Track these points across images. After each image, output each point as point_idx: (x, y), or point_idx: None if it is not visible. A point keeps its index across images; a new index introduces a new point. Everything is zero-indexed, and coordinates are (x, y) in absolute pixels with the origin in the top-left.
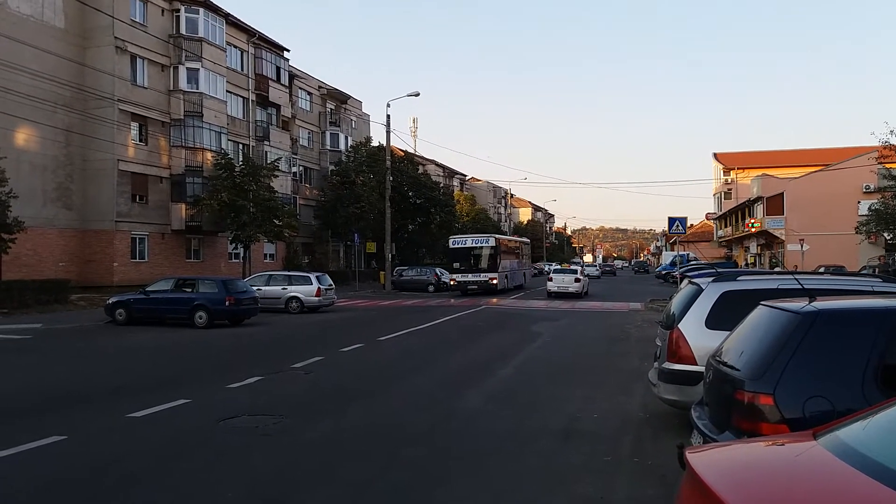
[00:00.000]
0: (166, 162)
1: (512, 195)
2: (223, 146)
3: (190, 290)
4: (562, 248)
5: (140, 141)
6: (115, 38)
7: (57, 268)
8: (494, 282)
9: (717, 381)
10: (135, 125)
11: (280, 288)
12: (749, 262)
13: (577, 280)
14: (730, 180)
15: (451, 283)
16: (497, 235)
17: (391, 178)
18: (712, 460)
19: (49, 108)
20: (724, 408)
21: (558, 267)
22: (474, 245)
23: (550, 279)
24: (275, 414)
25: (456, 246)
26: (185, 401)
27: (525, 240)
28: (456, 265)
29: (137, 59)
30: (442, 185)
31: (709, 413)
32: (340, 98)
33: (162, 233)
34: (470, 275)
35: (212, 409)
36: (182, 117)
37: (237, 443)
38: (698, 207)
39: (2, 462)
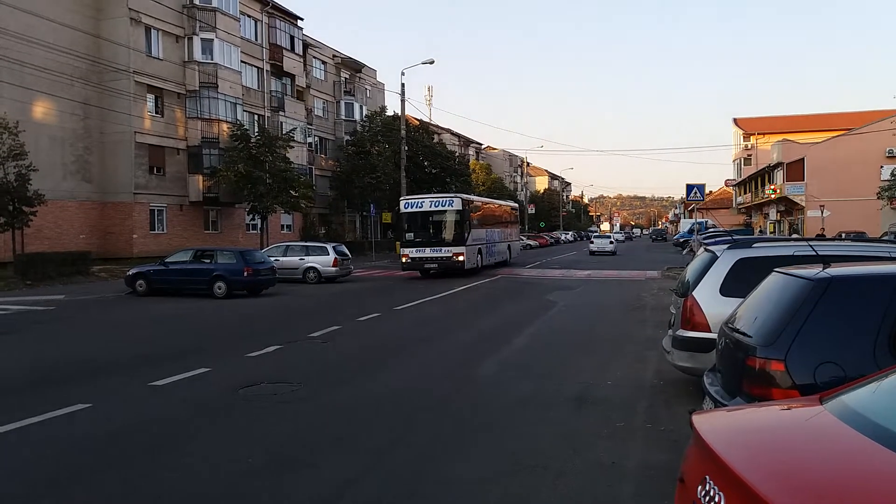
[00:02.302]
0: (182, 134)
1: (528, 164)
2: (239, 117)
3: (208, 261)
4: (578, 216)
5: (156, 113)
6: (130, 9)
7: (78, 240)
8: (460, 258)
9: (730, 348)
10: (150, 97)
11: (297, 258)
12: (769, 229)
13: (611, 242)
14: (749, 146)
15: (404, 260)
16: (464, 196)
17: (406, 148)
18: (717, 424)
19: (66, 81)
20: (735, 374)
21: (598, 234)
22: (433, 209)
23: (592, 242)
24: (293, 382)
25: (409, 210)
26: (205, 369)
27: (511, 203)
28: (409, 236)
29: (152, 30)
30: (457, 154)
31: (721, 379)
32: (355, 67)
33: (180, 204)
34: (427, 249)
35: (231, 378)
36: (197, 88)
37: (257, 410)
38: (717, 174)
39: (29, 429)
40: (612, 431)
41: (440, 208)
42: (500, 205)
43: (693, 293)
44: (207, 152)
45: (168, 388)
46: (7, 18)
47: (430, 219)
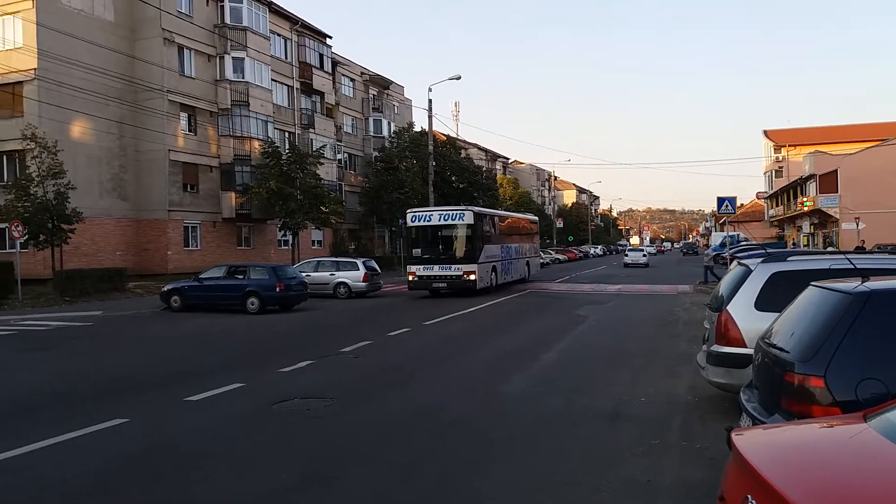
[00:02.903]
0: (215, 151)
1: (556, 177)
2: (270, 135)
3: (242, 276)
4: (607, 230)
5: (189, 131)
6: (163, 29)
7: (114, 256)
8: (471, 277)
9: (767, 364)
10: (184, 115)
11: (328, 274)
12: (803, 242)
13: (644, 255)
14: (781, 158)
15: (411, 278)
16: (476, 209)
17: (434, 163)
18: (758, 441)
19: (102, 101)
20: (773, 390)
21: (631, 247)
22: (442, 223)
23: (626, 255)
24: (325, 397)
25: (416, 224)
26: (239, 385)
27: (529, 216)
28: (416, 252)
29: (184, 49)
30: (485, 168)
31: (758, 396)
32: (383, 84)
33: (213, 221)
34: (436, 267)
35: (265, 393)
36: (229, 107)
37: (289, 425)
38: (748, 187)
39: (70, 443)
40: (647, 448)
41: (450, 222)
42: (517, 217)
43: (727, 308)
44: (240, 169)
45: (203, 403)
46: (47, 41)
47: (439, 234)
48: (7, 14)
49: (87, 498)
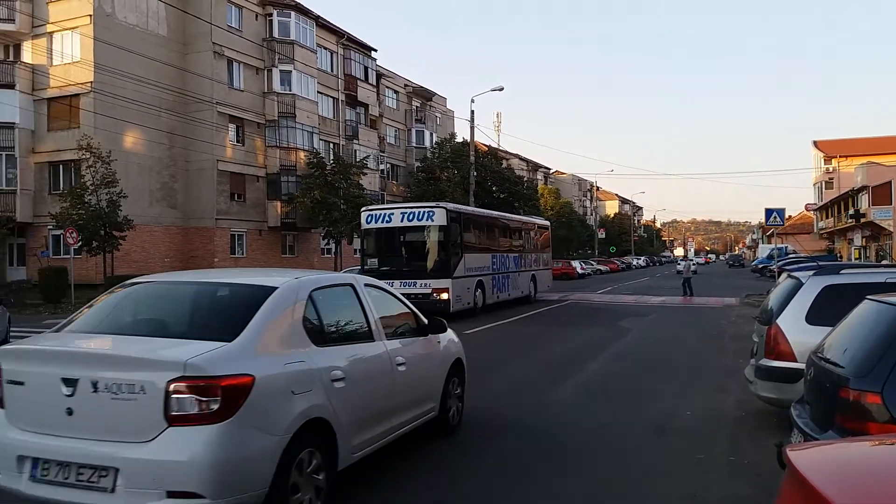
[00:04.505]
0: (262, 162)
1: (598, 188)
2: (315, 145)
3: None
4: (651, 241)
5: (237, 142)
6: (214, 43)
7: (163, 263)
8: (443, 296)
9: (819, 379)
10: (232, 127)
11: None
12: (854, 256)
13: (693, 265)
14: (831, 169)
15: None
16: (451, 206)
17: (475, 174)
18: (816, 459)
19: (154, 113)
20: (826, 406)
21: (682, 259)
22: (405, 224)
23: (678, 264)
24: None
25: (373, 225)
26: None
27: (537, 221)
28: (372, 262)
29: (234, 62)
30: (526, 179)
31: (810, 411)
32: (425, 95)
33: (259, 229)
34: (397, 283)
35: None
36: (276, 118)
37: None
38: (796, 198)
39: None
40: (693, 463)
41: (415, 223)
42: (518, 220)
43: (777, 321)
44: (285, 179)
45: None
46: (103, 55)
47: (402, 239)
48: (66, 30)
49: None
